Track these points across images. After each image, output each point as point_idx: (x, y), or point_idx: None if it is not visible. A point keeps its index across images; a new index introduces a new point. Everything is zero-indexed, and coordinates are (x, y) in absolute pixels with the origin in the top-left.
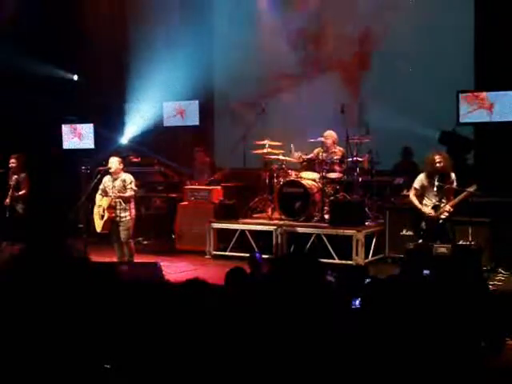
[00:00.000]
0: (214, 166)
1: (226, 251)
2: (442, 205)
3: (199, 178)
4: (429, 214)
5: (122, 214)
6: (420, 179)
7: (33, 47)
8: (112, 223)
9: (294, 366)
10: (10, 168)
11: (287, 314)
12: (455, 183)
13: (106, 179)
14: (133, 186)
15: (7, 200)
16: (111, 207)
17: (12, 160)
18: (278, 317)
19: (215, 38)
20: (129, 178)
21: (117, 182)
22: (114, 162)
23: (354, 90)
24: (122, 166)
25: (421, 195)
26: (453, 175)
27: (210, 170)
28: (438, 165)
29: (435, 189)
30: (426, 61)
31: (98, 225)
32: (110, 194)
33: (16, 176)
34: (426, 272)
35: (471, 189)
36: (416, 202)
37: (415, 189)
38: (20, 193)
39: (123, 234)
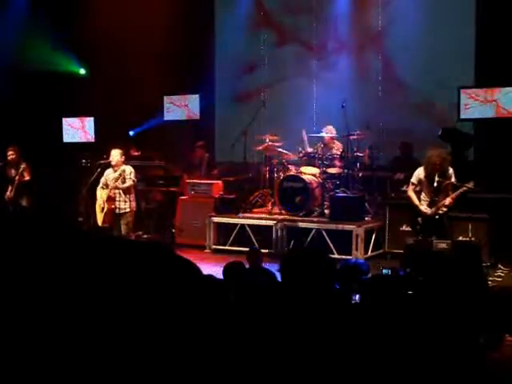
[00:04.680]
0: (212, 161)
1: (225, 245)
2: (439, 200)
3: (195, 173)
4: (425, 212)
5: (122, 206)
6: (418, 174)
7: (39, 39)
8: (112, 215)
9: (294, 361)
10: (9, 161)
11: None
12: (453, 178)
13: (108, 172)
14: (132, 176)
15: (11, 193)
16: (110, 199)
17: (10, 152)
18: (282, 313)
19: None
20: (128, 169)
21: (116, 174)
22: (115, 155)
23: (355, 85)
24: (122, 159)
25: (419, 190)
26: (450, 170)
27: (207, 166)
28: (437, 164)
29: (435, 184)
30: (427, 56)
31: (99, 218)
32: (110, 186)
33: (18, 166)
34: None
35: (469, 185)
36: (414, 197)
37: (413, 184)
38: (25, 179)
39: (123, 229)
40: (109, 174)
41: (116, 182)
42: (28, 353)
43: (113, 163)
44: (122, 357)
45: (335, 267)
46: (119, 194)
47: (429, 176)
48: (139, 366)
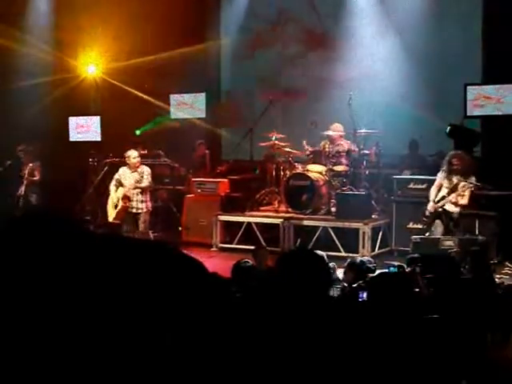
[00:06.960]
0: (214, 158)
1: (232, 244)
2: (451, 197)
3: (198, 171)
4: (430, 206)
5: (140, 206)
6: (441, 173)
7: (44, 36)
8: (126, 213)
9: (298, 360)
10: (21, 158)
11: (291, 309)
12: (473, 178)
13: (123, 171)
14: (149, 177)
15: (21, 191)
16: (126, 198)
17: (21, 151)
18: (284, 312)
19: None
20: (146, 170)
21: (135, 175)
22: (133, 155)
23: (362, 82)
24: (139, 159)
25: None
26: (473, 178)
27: (209, 163)
28: (455, 166)
29: (453, 183)
30: (434, 52)
31: (111, 214)
32: (127, 185)
33: (31, 164)
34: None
35: (470, 180)
36: (432, 193)
37: (436, 181)
38: (34, 178)
39: (141, 227)
40: (125, 174)
41: (137, 183)
42: (28, 352)
43: (130, 163)
44: (125, 356)
45: (328, 269)
46: (137, 194)
47: (449, 175)
48: (143, 366)
